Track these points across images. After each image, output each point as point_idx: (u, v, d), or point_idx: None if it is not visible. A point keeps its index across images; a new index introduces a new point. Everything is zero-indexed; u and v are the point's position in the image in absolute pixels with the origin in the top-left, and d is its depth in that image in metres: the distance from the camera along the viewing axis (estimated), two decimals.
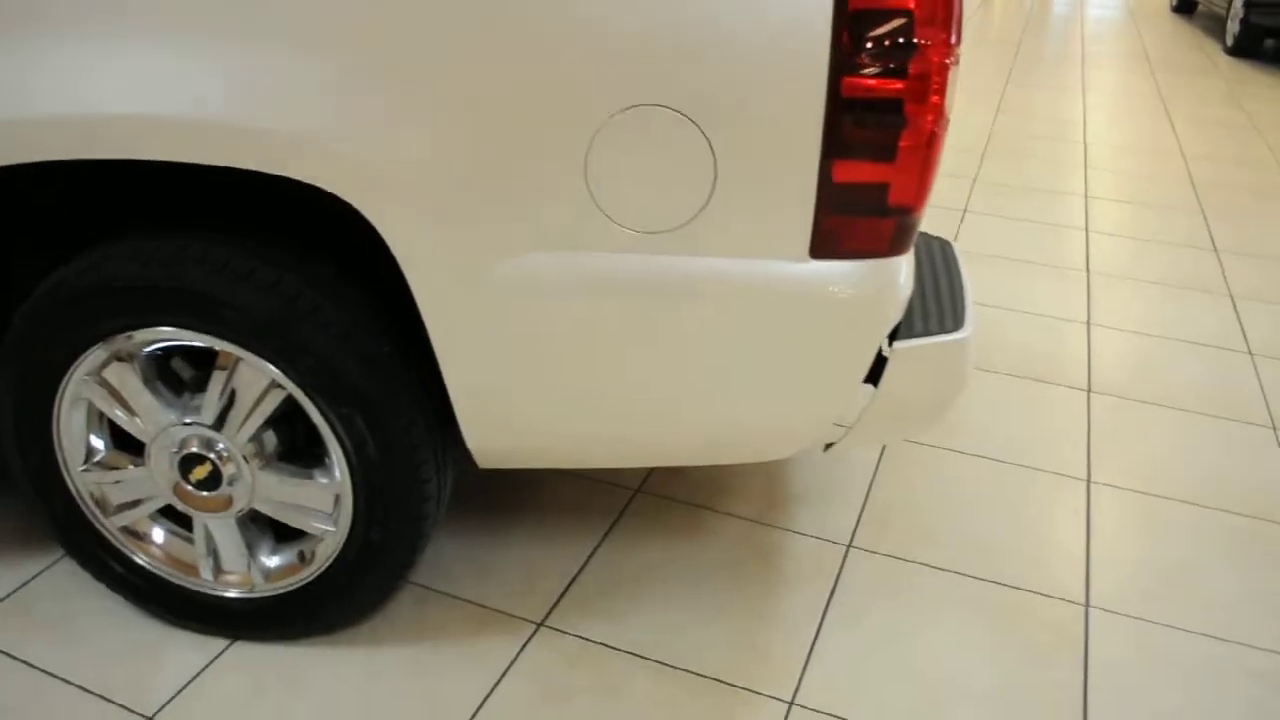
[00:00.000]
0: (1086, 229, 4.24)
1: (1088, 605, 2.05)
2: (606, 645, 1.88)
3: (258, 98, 1.33)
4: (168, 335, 1.57)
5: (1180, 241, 4.18)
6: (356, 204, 1.38)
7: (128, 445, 1.76)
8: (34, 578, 1.97)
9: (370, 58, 1.31)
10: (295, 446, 1.73)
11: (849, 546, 2.17)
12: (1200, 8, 11.22)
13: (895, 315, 1.49)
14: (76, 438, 1.71)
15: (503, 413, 1.56)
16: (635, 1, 1.28)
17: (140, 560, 1.81)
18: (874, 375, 1.59)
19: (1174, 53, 8.76)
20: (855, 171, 1.36)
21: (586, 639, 1.89)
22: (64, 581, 1.96)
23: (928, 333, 1.63)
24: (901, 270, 1.47)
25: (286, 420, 1.69)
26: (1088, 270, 3.80)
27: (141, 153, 1.37)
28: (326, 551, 1.73)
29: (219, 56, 1.33)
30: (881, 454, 2.50)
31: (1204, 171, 5.18)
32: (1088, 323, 3.35)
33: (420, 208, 1.37)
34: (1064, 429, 2.69)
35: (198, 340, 1.56)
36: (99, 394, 1.65)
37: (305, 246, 1.58)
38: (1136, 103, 6.68)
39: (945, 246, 2.06)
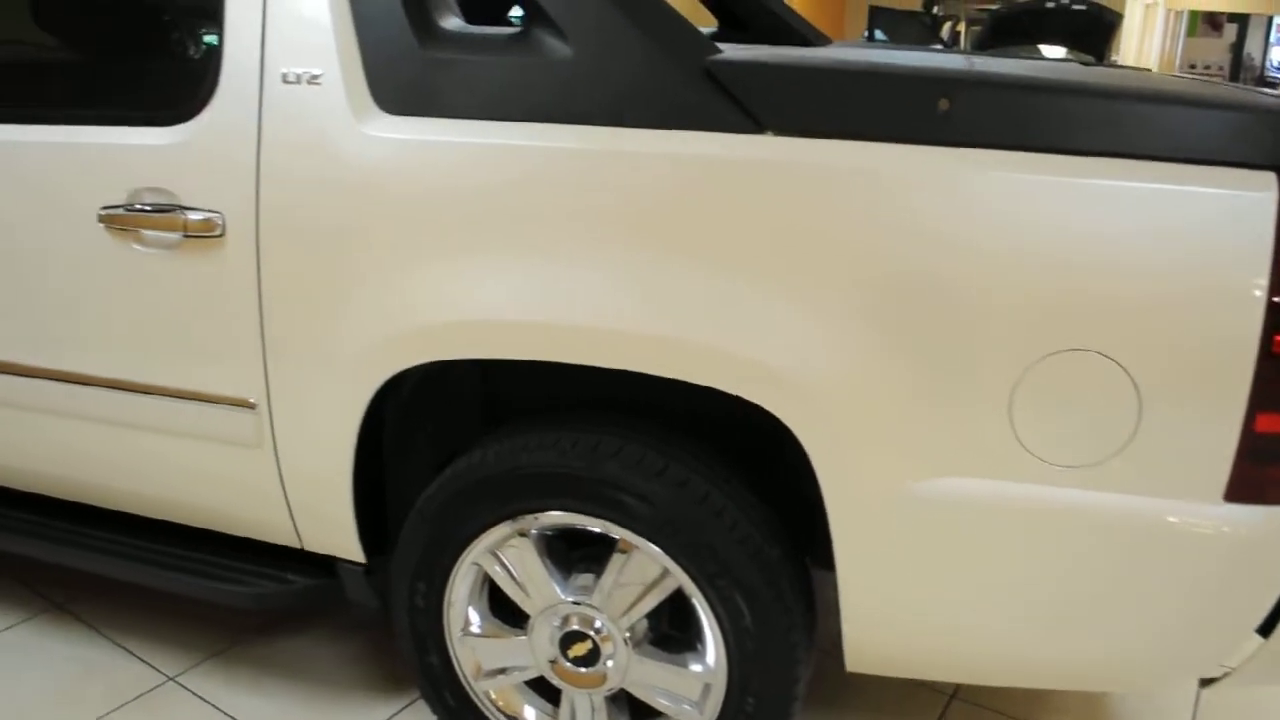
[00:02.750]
0: None
1: None
2: None
3: (700, 315, 1.48)
4: (571, 520, 1.69)
5: None
6: (783, 417, 1.48)
7: (505, 614, 1.88)
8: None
9: (809, 283, 1.44)
10: (664, 631, 1.81)
11: None
12: None
13: None
14: (461, 603, 1.84)
15: (891, 621, 1.60)
16: (1074, 250, 1.36)
17: None
18: (1268, 623, 1.57)
19: None
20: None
21: None
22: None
23: None
24: None
25: (662, 605, 1.78)
26: None
27: (598, 360, 1.53)
28: None
29: (673, 278, 1.49)
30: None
31: None
32: None
33: (846, 425, 1.47)
34: None
35: (599, 526, 1.68)
36: (496, 566, 1.78)
37: (701, 442, 1.69)
38: None
39: None
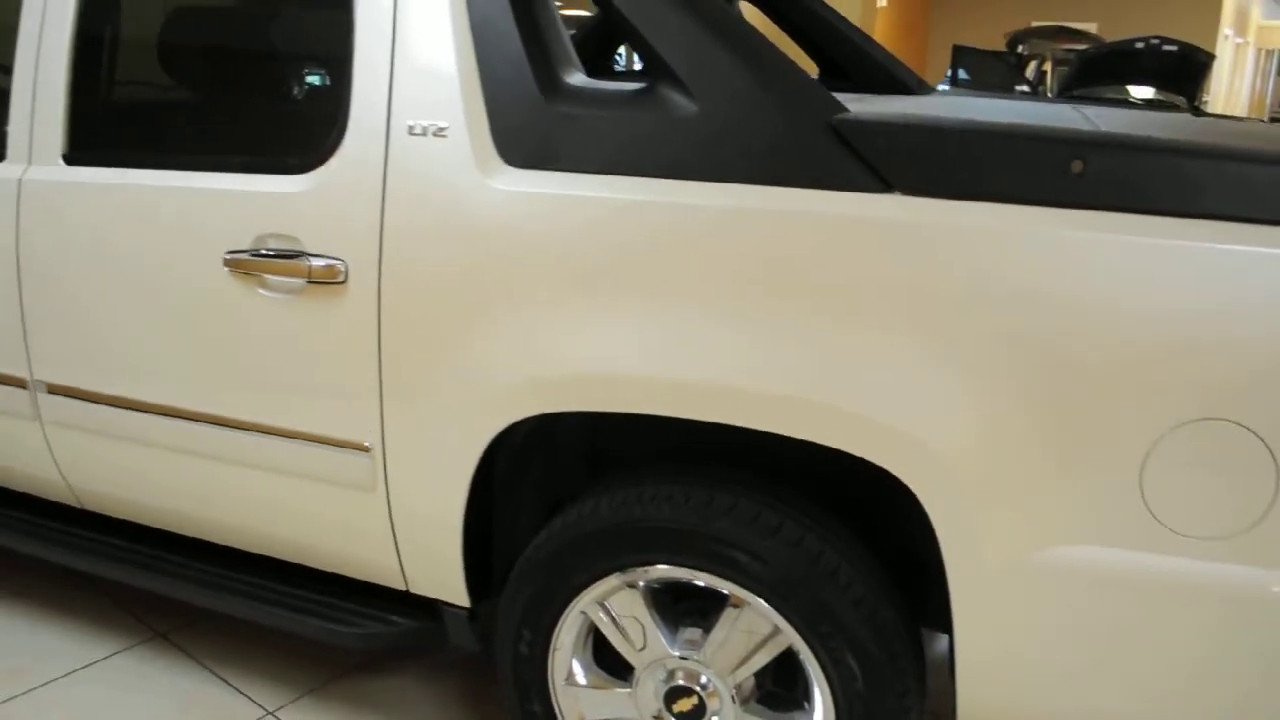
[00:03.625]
0: None
1: None
2: None
3: (823, 375, 1.48)
4: (682, 574, 1.68)
5: None
6: (906, 479, 1.47)
7: (609, 665, 1.87)
8: None
9: (936, 345, 1.43)
10: (770, 689, 1.79)
11: None
12: None
13: None
14: (566, 652, 1.84)
15: (1009, 685, 1.56)
16: (1209, 317, 1.33)
17: None
18: None
19: None
20: None
21: None
22: None
23: None
24: None
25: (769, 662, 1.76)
26: None
27: (718, 417, 1.53)
28: None
29: (795, 337, 1.49)
30: None
31: None
32: None
33: (971, 490, 1.44)
34: None
35: (709, 581, 1.67)
36: (602, 616, 1.78)
37: (813, 498, 1.68)
38: None
39: None
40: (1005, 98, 2.81)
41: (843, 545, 1.62)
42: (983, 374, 1.42)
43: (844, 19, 2.76)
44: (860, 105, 1.63)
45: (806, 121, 1.50)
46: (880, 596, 1.60)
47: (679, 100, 1.57)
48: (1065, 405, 1.39)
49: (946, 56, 11.79)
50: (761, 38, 1.59)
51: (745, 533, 1.61)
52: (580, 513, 1.72)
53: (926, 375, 1.44)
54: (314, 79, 1.95)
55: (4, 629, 2.58)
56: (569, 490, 1.92)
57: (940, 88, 4.83)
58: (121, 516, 2.30)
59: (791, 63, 1.57)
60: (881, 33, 14.67)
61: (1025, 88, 9.65)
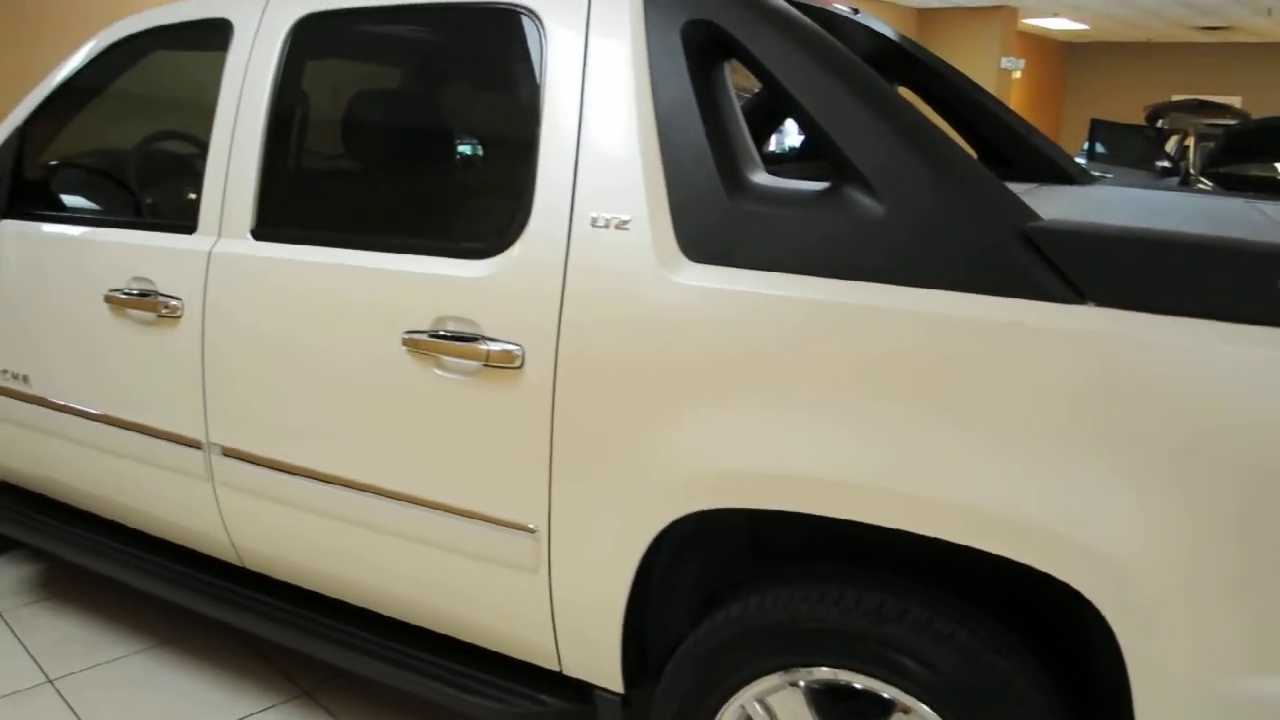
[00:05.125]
0: None
1: None
2: None
3: (1009, 487, 1.45)
4: (846, 676, 1.65)
5: None
6: (1093, 597, 1.42)
7: None
8: None
9: (1130, 461, 1.39)
10: None
11: None
12: None
13: None
14: None
15: None
16: None
17: None
18: None
19: None
20: None
21: None
22: None
23: None
24: None
25: None
26: None
27: (897, 523, 1.51)
28: None
29: (981, 447, 1.46)
30: None
31: None
32: None
33: (1163, 611, 1.39)
34: None
35: (871, 685, 1.63)
36: (761, 714, 1.75)
37: (983, 604, 1.64)
38: None
39: None
40: (1176, 190, 2.74)
41: (1017, 656, 1.57)
42: (1175, 492, 1.37)
43: (1003, 104, 2.74)
44: (1035, 201, 1.61)
45: (999, 228, 1.49)
46: (1055, 709, 1.55)
47: (866, 202, 1.57)
48: (1264, 527, 1.34)
49: (1079, 127, 11.58)
50: (949, 139, 1.58)
51: (917, 639, 1.57)
52: (745, 608, 1.71)
53: (1119, 492, 1.40)
54: (497, 167, 2.00)
55: (168, 675, 2.66)
56: (727, 579, 1.91)
57: (1076, 160, 4.74)
58: (281, 578, 2.36)
59: (981, 166, 1.56)
60: (1016, 103, 14.53)
61: (1166, 163, 9.40)
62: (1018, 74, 14.36)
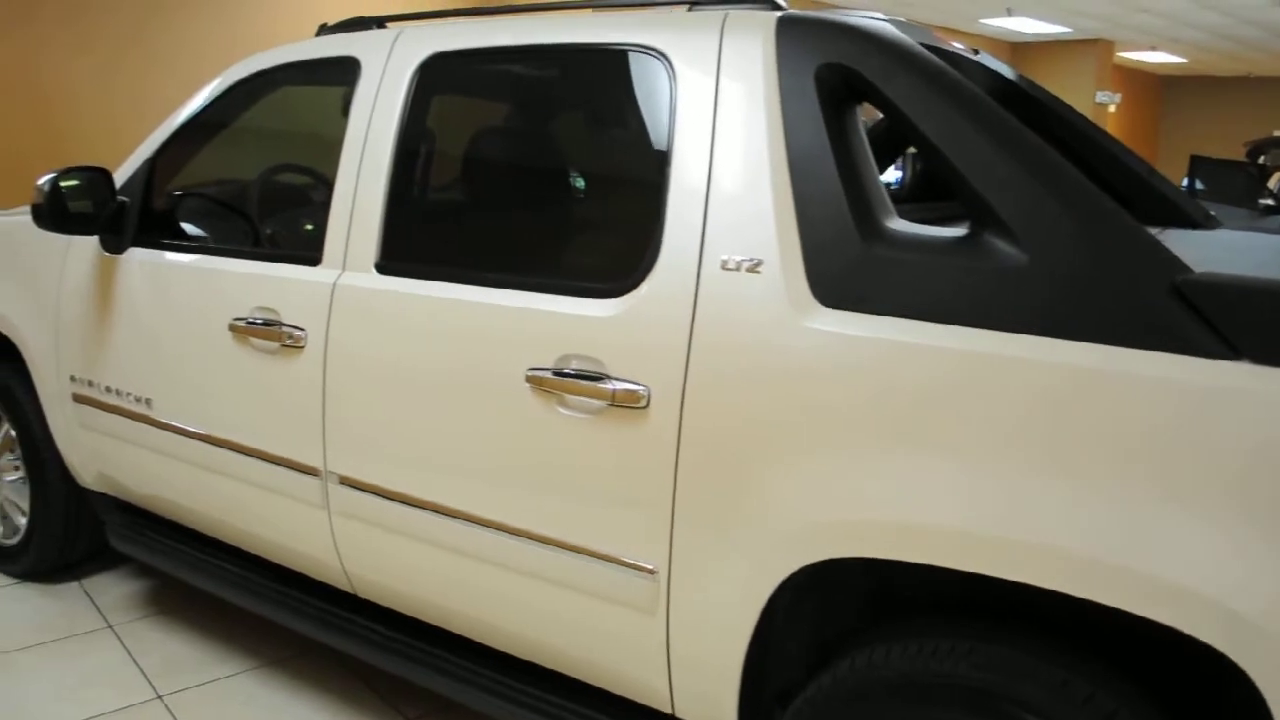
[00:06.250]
0: None
1: None
2: None
3: (1168, 550, 1.40)
4: None
5: None
6: (1240, 660, 1.37)
7: None
8: None
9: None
10: None
11: None
12: None
13: None
14: None
15: None
16: None
17: None
18: None
19: None
20: None
21: None
22: None
23: None
24: None
25: None
26: None
27: (1043, 581, 1.47)
28: None
29: (1127, 503, 1.42)
30: None
31: None
32: None
33: None
34: None
35: None
36: None
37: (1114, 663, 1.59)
38: None
39: None
40: None
41: (1155, 717, 1.52)
42: None
43: (1126, 147, 2.68)
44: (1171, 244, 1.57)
45: (1149, 280, 1.45)
46: None
47: (1007, 250, 1.54)
48: None
49: (1175, 162, 11.31)
50: (1092, 185, 1.55)
51: (1052, 700, 1.52)
52: (870, 659, 1.67)
53: (1269, 555, 1.35)
54: (627, 206, 2.01)
55: (275, 696, 2.70)
56: (845, 627, 1.88)
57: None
58: (392, 606, 2.38)
59: (1127, 215, 1.52)
60: None
61: (1270, 201, 9.13)
62: (1113, 108, 14.10)
